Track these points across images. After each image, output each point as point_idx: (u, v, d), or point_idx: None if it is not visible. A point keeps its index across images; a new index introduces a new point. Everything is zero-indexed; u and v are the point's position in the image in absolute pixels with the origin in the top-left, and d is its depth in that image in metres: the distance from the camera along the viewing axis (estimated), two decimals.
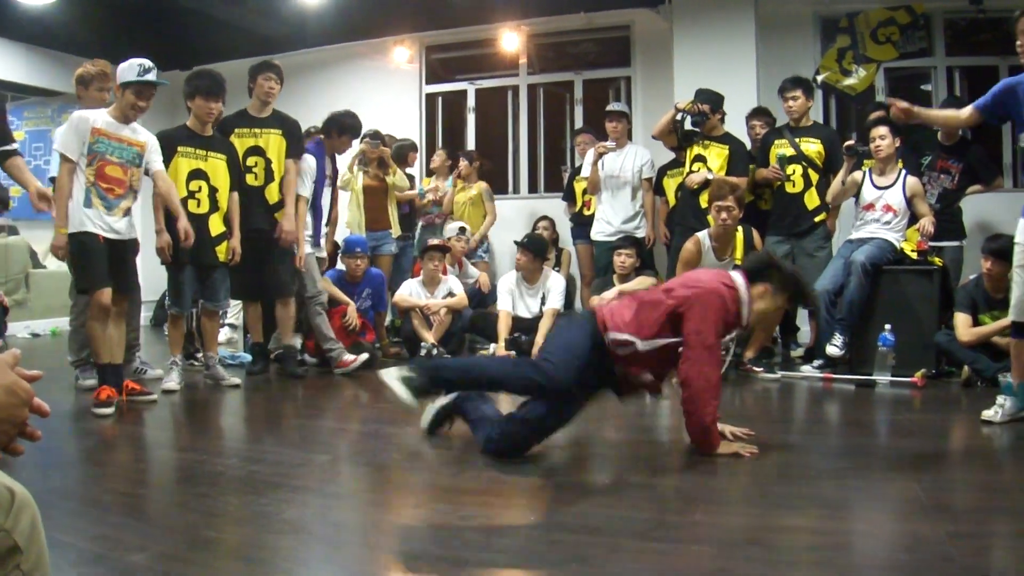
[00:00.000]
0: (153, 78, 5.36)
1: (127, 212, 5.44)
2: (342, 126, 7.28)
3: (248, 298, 6.92)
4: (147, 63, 5.35)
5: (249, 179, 6.57)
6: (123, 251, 5.45)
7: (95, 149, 5.25)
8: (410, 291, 7.72)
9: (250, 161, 6.58)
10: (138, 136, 5.46)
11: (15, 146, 5.47)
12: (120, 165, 5.34)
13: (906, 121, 4.86)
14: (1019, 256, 4.74)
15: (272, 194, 6.64)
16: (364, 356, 6.86)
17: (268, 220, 6.62)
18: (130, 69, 5.33)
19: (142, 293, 6.49)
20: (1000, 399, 4.85)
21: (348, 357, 6.86)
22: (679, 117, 7.40)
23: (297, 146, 6.83)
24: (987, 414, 4.81)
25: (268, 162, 6.62)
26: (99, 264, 5.27)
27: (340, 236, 8.23)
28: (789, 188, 7.27)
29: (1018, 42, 4.65)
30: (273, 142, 6.65)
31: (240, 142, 6.56)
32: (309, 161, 6.93)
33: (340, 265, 7.78)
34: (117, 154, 5.33)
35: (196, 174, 6.07)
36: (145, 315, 8.57)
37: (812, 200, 7.21)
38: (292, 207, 6.67)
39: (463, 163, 9.40)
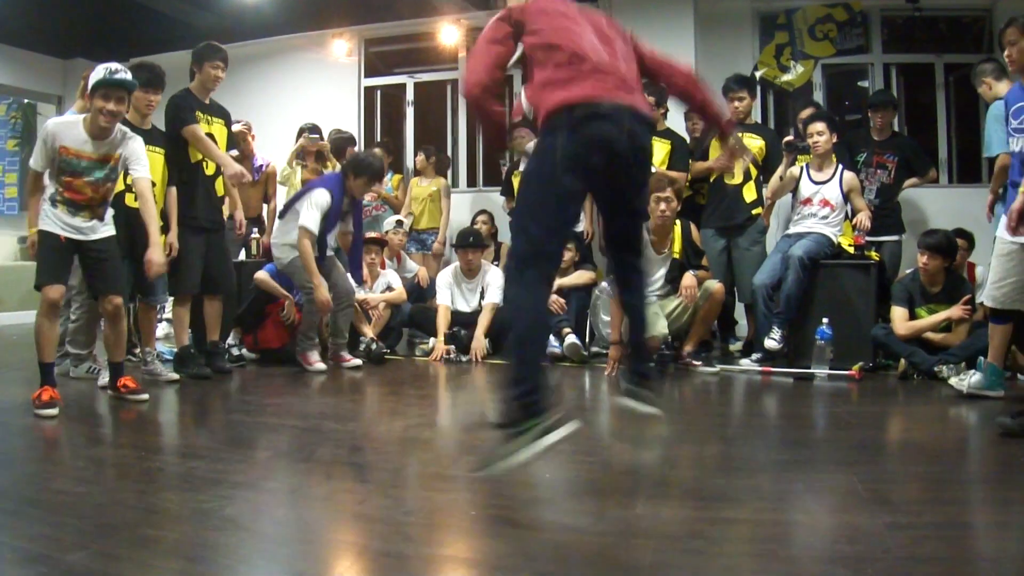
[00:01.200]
0: (121, 78, 4.97)
1: (99, 215, 5.21)
2: (357, 167, 6.91)
3: (196, 291, 6.59)
4: (116, 65, 4.99)
5: (204, 167, 6.43)
6: (96, 252, 5.21)
7: (62, 166, 5.02)
8: None
9: None
10: (113, 150, 5.16)
11: None
12: (90, 184, 5.10)
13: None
14: (997, 247, 4.93)
15: (220, 186, 6.56)
16: (322, 366, 6.74)
17: (218, 212, 6.57)
18: (96, 73, 4.97)
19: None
20: (970, 372, 5.28)
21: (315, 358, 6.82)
22: None
23: (232, 139, 6.80)
24: (954, 382, 5.27)
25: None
26: (53, 262, 5.08)
27: None
28: (728, 179, 7.30)
29: (1006, 52, 4.77)
30: (220, 132, 6.54)
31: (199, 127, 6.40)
32: (321, 194, 6.70)
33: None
34: (87, 174, 5.07)
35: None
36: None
37: (750, 193, 7.25)
38: (237, 198, 6.82)
39: (420, 158, 9.34)
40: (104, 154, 5.11)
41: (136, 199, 5.51)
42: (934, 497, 3.33)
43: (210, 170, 6.43)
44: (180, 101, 6.29)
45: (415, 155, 9.68)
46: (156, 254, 5.30)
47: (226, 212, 6.84)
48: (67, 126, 5.09)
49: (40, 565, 2.60)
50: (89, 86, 5.02)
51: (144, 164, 5.31)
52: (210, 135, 6.36)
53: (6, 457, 4.15)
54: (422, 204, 9.12)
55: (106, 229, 5.27)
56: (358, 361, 6.87)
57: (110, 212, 5.32)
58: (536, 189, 3.38)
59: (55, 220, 5.06)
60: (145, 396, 5.42)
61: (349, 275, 7.07)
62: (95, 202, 5.16)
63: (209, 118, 6.42)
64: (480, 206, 9.45)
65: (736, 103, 7.38)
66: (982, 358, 5.22)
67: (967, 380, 5.20)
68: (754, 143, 7.30)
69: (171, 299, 6.57)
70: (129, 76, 5.03)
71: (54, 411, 4.94)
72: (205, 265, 6.42)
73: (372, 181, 7.01)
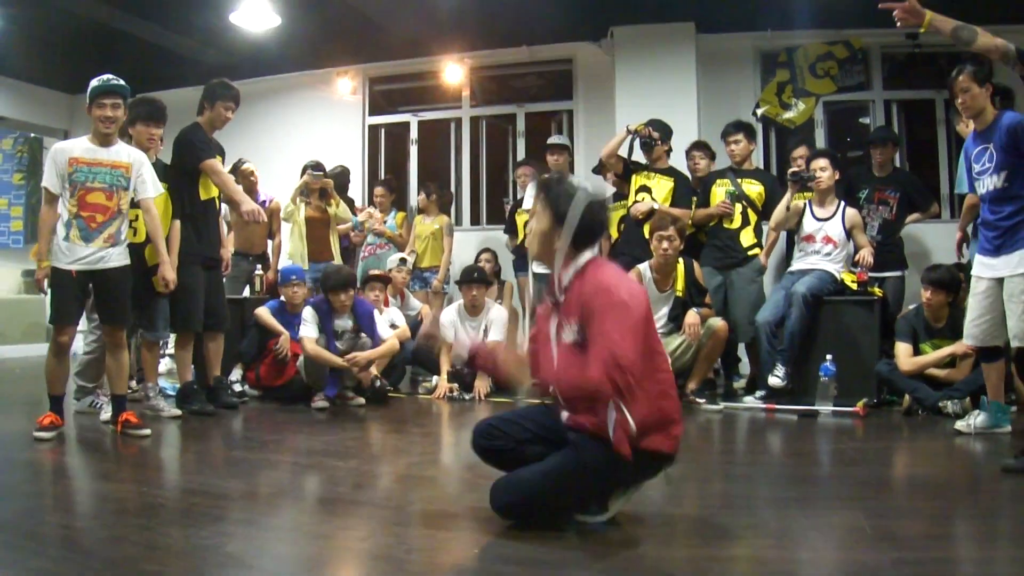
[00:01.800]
0: (113, 84, 5.23)
1: (113, 240, 5.28)
2: (329, 284, 6.89)
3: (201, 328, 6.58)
4: (106, 76, 5.24)
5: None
6: (107, 281, 5.29)
7: (75, 179, 5.14)
8: None
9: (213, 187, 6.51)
10: (121, 157, 5.34)
11: None
12: (104, 191, 5.22)
13: (912, 21, 4.77)
14: (973, 285, 5.05)
15: (222, 223, 6.67)
16: (323, 407, 6.73)
17: (218, 249, 6.64)
18: (91, 86, 5.23)
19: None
20: (975, 412, 5.30)
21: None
22: (629, 139, 7.43)
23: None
24: (960, 425, 5.25)
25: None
26: (65, 301, 5.19)
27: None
28: (727, 224, 7.31)
29: (958, 100, 4.91)
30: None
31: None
32: (307, 310, 6.84)
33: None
34: (99, 179, 5.20)
35: (134, 203, 5.95)
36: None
37: (748, 238, 7.27)
38: (226, 236, 6.93)
39: (421, 196, 9.36)
40: (113, 161, 5.27)
41: (139, 228, 5.76)
42: (940, 533, 3.32)
43: (216, 206, 6.49)
44: (193, 135, 6.33)
45: (418, 193, 9.70)
46: (167, 272, 5.59)
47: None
48: (72, 142, 5.32)
49: None
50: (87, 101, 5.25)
51: (154, 185, 5.51)
52: None
53: (8, 490, 4.14)
54: (425, 242, 9.12)
55: (120, 258, 5.34)
56: (362, 400, 6.85)
57: (125, 237, 5.39)
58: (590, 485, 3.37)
59: (67, 254, 5.14)
60: (147, 431, 5.40)
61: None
62: (110, 216, 5.24)
63: (217, 157, 6.49)
64: (484, 244, 9.46)
65: (732, 146, 7.41)
66: (984, 397, 5.25)
67: (973, 421, 5.21)
68: (753, 188, 7.32)
69: (173, 335, 6.57)
70: (121, 82, 5.25)
71: (50, 435, 5.05)
72: (206, 302, 6.44)
73: (337, 291, 6.83)
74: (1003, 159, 4.73)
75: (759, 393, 6.70)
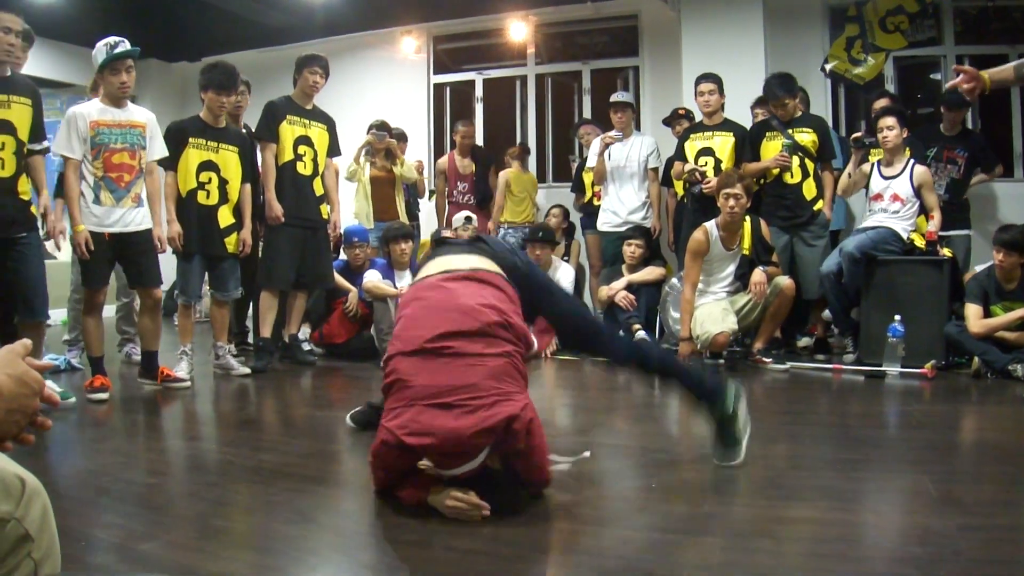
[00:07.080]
0: (124, 49, 5.29)
1: (139, 200, 5.47)
2: (390, 235, 7.30)
3: (289, 287, 6.85)
4: (112, 40, 5.29)
5: (299, 167, 6.67)
6: (139, 242, 5.47)
7: (98, 142, 5.27)
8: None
9: (300, 150, 6.68)
10: (136, 117, 5.49)
11: (45, 145, 5.35)
12: (127, 150, 5.37)
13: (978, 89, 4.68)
14: None
15: (319, 187, 6.80)
16: None
17: (315, 211, 6.79)
18: (99, 53, 5.29)
19: None
20: None
21: None
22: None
23: (336, 145, 7.02)
24: None
25: (316, 154, 6.76)
26: (101, 264, 5.37)
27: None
28: (787, 179, 7.21)
29: None
30: (320, 136, 6.80)
31: (291, 129, 6.64)
32: (371, 270, 7.13)
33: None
34: (120, 140, 5.34)
35: (206, 165, 6.11)
36: None
37: (810, 190, 7.16)
38: (338, 202, 7.05)
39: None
40: (131, 120, 5.43)
41: (211, 191, 6.14)
42: (1007, 499, 3.30)
43: (306, 171, 6.68)
44: (267, 109, 6.66)
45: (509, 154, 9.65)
46: (159, 231, 5.70)
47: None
48: (86, 106, 5.41)
49: (113, 554, 2.70)
50: (96, 69, 5.37)
51: (161, 148, 5.70)
52: (307, 138, 6.68)
53: (80, 447, 4.31)
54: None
55: (145, 220, 5.53)
56: None
57: (143, 197, 5.55)
58: None
59: (100, 217, 5.31)
60: (187, 384, 5.79)
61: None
62: (135, 175, 5.43)
63: (307, 122, 6.74)
64: (551, 201, 9.44)
65: (780, 111, 7.26)
66: None
67: None
68: (806, 137, 7.19)
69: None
70: (127, 44, 5.32)
71: (104, 395, 5.27)
72: (299, 262, 6.68)
73: (397, 240, 7.22)
74: None
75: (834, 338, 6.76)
